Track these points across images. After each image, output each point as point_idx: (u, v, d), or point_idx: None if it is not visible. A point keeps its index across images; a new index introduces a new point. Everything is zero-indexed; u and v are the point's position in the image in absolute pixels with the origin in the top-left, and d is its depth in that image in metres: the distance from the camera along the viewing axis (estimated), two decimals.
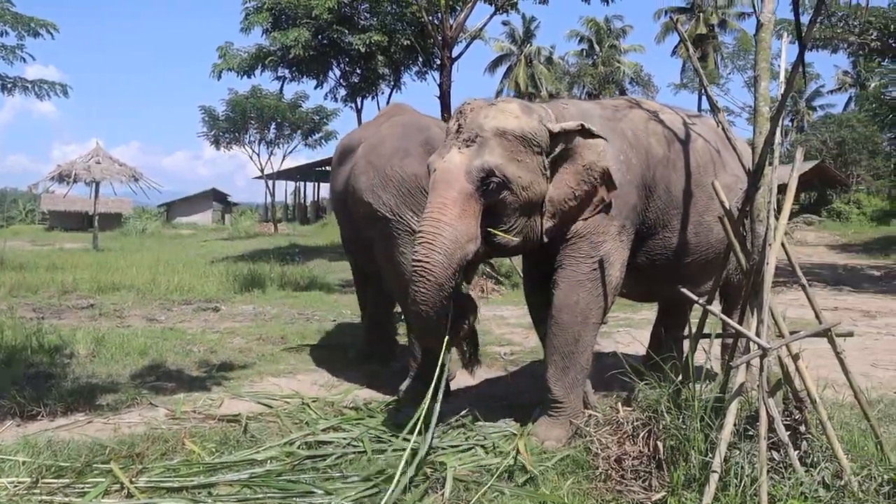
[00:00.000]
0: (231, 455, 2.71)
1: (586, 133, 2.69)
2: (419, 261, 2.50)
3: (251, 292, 8.04)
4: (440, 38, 10.36)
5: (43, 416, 3.22)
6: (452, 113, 2.82)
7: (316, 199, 35.61)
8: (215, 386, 3.90)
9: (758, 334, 2.30)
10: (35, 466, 2.54)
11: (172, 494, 2.37)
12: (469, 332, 2.86)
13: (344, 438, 2.89)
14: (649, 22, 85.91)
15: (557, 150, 2.71)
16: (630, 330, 5.69)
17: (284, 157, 26.83)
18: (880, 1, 32.21)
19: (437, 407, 2.67)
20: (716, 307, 2.84)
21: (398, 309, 4.52)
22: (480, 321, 5.86)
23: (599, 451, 2.52)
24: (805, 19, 3.51)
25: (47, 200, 29.73)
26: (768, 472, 2.18)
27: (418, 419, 2.65)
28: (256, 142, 25.78)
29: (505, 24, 33.43)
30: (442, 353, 2.65)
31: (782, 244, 2.39)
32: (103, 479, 2.45)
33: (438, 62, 11.12)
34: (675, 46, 31.77)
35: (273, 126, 24.98)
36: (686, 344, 3.31)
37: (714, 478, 2.14)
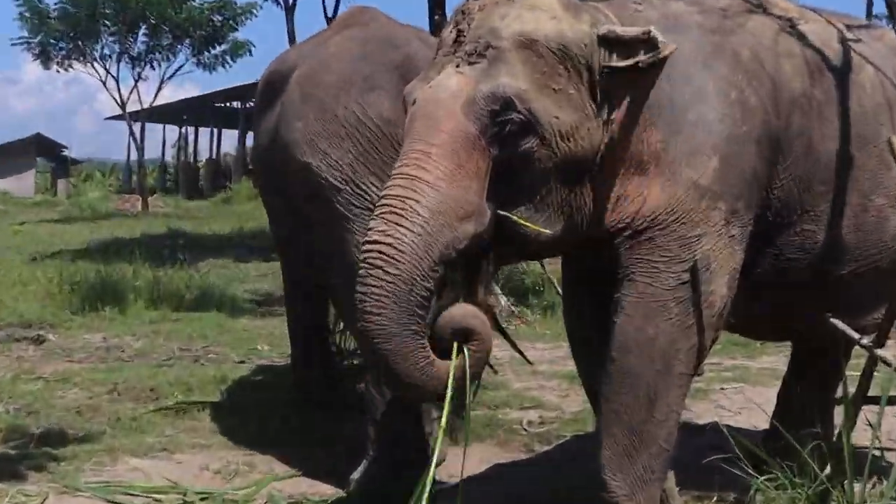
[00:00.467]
0: None
1: (650, 44, 2.67)
2: (375, 242, 2.49)
3: (100, 312, 7.99)
4: None
5: None
6: (450, 16, 2.83)
7: (214, 155, 35.67)
8: (34, 472, 3.87)
9: None
10: None
11: None
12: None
13: None
14: None
15: (619, 69, 2.69)
16: (743, 387, 5.68)
17: (162, 83, 26.87)
18: None
19: None
20: (891, 351, 2.85)
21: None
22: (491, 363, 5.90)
23: None
24: None
25: None
26: None
27: None
28: (114, 57, 25.79)
29: None
30: (444, 415, 2.61)
31: None
32: None
33: None
34: None
35: (143, 30, 24.93)
36: (838, 413, 3.31)
37: None
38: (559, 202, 2.69)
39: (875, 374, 2.84)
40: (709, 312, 2.89)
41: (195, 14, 24.00)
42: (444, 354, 2.60)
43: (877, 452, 2.76)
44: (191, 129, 37.07)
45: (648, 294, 2.85)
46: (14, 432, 4.41)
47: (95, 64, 25.76)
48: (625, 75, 2.71)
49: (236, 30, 24.89)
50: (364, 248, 2.52)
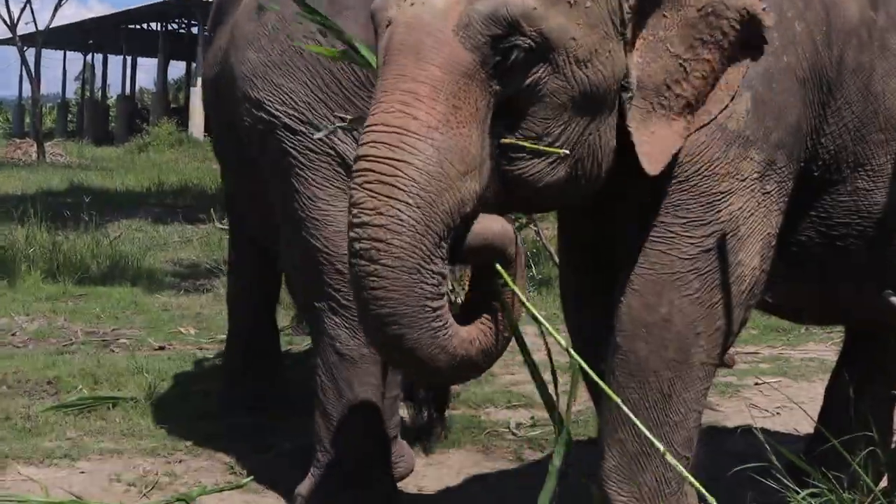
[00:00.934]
0: None
1: None
2: (365, 225, 2.48)
3: None
4: None
5: None
6: None
7: (128, 90, 35.40)
8: None
9: None
10: None
11: None
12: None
13: None
14: None
15: None
16: (780, 381, 5.74)
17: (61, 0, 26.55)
18: None
19: None
20: None
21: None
22: None
23: None
24: None
25: None
26: None
27: None
28: None
29: None
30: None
31: None
32: None
33: None
34: None
35: None
36: None
37: None
38: (572, 142, 2.67)
39: None
40: (737, 288, 2.91)
41: None
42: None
43: None
44: (98, 58, 36.72)
45: (662, 265, 2.86)
46: None
47: None
48: None
49: None
50: (352, 233, 2.49)
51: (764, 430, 3.55)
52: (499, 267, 2.62)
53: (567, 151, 2.65)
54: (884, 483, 3.05)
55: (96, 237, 9.98)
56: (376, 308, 2.47)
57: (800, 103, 2.99)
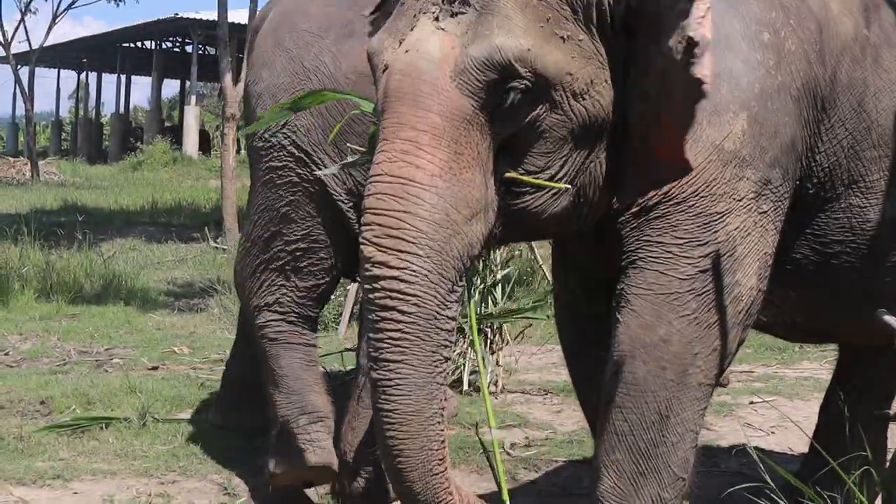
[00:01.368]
0: None
1: None
2: (378, 279, 2.47)
3: None
4: None
5: None
6: None
7: (122, 108, 35.42)
8: None
9: None
10: None
11: None
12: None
13: None
14: None
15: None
16: (776, 401, 5.71)
17: (56, 17, 26.60)
18: None
19: None
20: None
21: None
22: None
23: None
24: None
25: None
26: None
27: None
28: None
29: None
30: None
31: None
32: None
33: None
34: None
35: None
36: (893, 433, 3.35)
37: None
38: (573, 173, 2.68)
39: None
40: (734, 308, 2.91)
41: None
42: None
43: None
44: (92, 76, 36.77)
45: (660, 285, 2.86)
46: None
47: None
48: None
49: None
50: (367, 286, 2.51)
51: (759, 449, 3.55)
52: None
53: (569, 186, 2.66)
54: (878, 503, 3.04)
55: (90, 256, 9.99)
56: (390, 348, 2.48)
57: (794, 121, 2.99)
